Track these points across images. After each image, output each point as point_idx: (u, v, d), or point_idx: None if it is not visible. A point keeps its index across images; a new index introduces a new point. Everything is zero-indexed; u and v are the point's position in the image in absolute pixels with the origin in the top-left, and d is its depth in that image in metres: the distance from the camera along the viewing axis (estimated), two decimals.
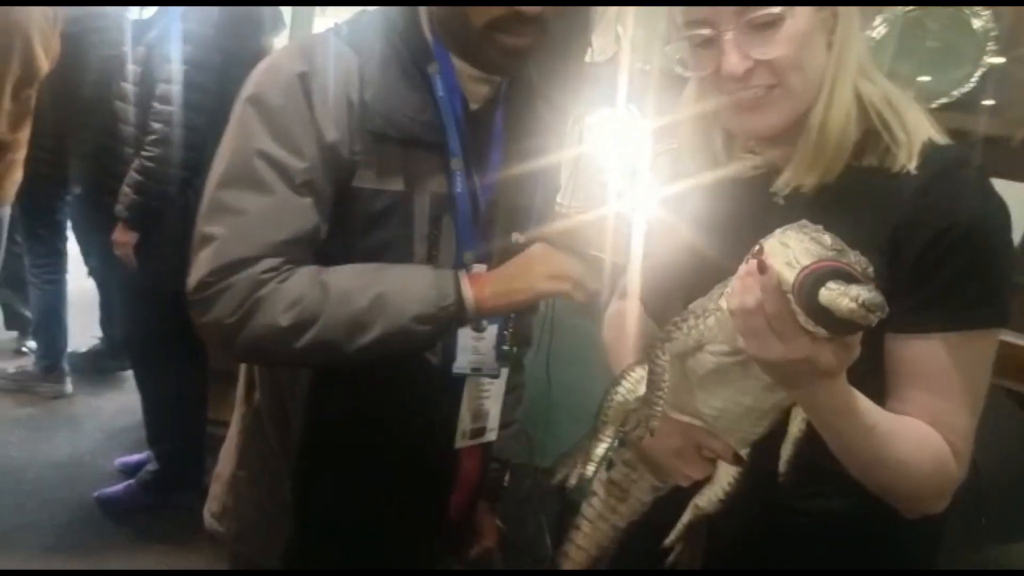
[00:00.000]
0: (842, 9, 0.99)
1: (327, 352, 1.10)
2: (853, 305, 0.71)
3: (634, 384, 1.05)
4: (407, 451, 1.23)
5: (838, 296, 0.72)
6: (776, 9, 0.94)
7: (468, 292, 1.11)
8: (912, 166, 0.97)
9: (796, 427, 0.96)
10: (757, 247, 0.82)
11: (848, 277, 0.74)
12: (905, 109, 1.01)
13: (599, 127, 2.40)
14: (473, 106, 1.20)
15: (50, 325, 3.51)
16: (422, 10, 1.17)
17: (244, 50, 2.39)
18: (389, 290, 1.09)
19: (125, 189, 2.45)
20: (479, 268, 1.19)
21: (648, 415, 0.96)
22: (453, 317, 1.11)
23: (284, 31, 2.72)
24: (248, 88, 1.13)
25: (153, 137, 2.39)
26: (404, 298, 1.09)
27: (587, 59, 2.41)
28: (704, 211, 1.11)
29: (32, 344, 3.74)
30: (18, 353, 3.86)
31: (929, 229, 0.95)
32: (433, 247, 1.16)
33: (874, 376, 0.98)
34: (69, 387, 3.56)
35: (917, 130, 1.00)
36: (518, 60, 1.13)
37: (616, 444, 1.10)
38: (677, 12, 1.01)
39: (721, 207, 1.09)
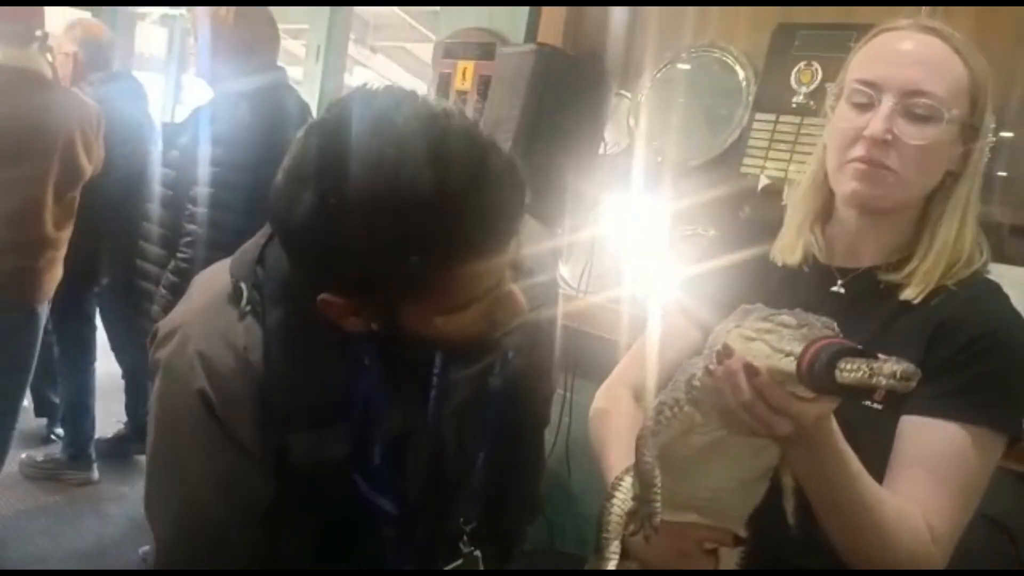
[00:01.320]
0: (976, 154, 1.09)
1: None
2: (893, 381, 0.74)
3: (626, 494, 1.06)
4: None
5: (864, 376, 0.75)
6: (936, 106, 1.03)
7: None
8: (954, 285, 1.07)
9: (788, 480, 1.00)
10: (722, 347, 0.87)
11: (851, 351, 0.77)
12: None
13: (614, 213, 2.48)
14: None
15: (78, 413, 3.56)
16: None
17: (275, 148, 2.43)
18: None
19: (162, 291, 2.47)
20: None
21: (649, 513, 0.97)
22: None
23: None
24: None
25: (188, 239, 2.43)
26: None
27: (600, 151, 2.50)
28: (752, 296, 1.11)
29: (60, 431, 3.79)
30: (48, 441, 3.91)
31: (967, 332, 1.03)
32: None
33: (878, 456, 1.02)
34: (96, 474, 3.59)
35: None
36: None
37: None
38: (853, 68, 1.10)
39: (774, 293, 1.09)
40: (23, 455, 3.63)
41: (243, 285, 1.00)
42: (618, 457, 1.15)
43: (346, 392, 0.99)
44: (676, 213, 2.28)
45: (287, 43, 5.26)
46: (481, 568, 1.20)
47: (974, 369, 1.03)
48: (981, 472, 1.03)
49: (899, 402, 1.03)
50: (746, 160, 2.28)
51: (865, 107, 1.06)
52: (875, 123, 1.04)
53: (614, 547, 1.06)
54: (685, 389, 0.96)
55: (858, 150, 1.06)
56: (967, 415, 1.02)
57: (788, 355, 0.81)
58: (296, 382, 0.97)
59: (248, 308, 0.98)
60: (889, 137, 1.03)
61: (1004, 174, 1.81)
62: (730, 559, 1.06)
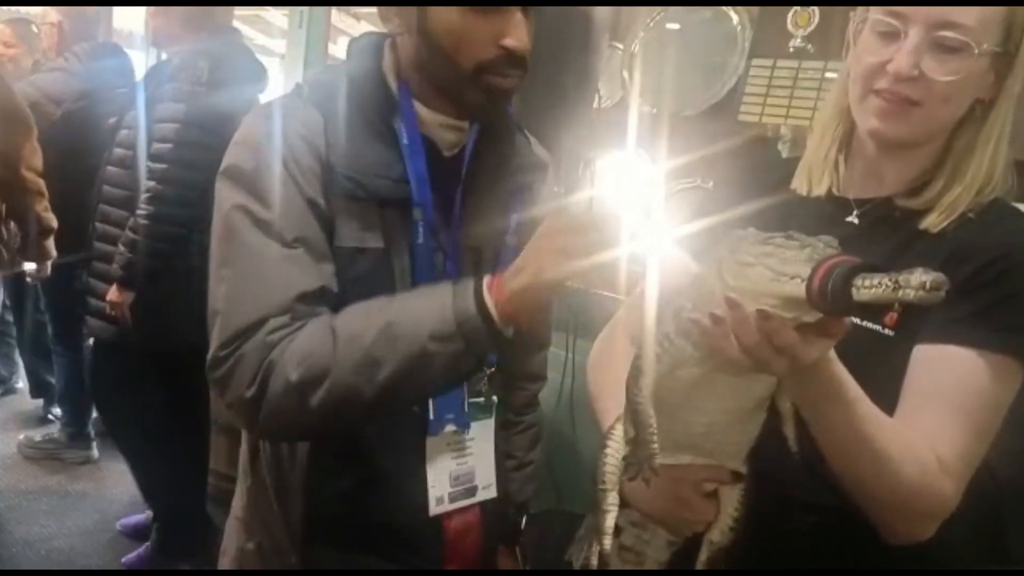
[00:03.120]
0: (1011, 80, 1.03)
1: (348, 402, 1.02)
2: (922, 292, 0.68)
3: (619, 442, 1.02)
4: (395, 523, 1.20)
5: (887, 291, 0.69)
6: (966, 39, 0.97)
7: (490, 300, 0.99)
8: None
9: (787, 405, 0.96)
10: (727, 300, 0.82)
11: (867, 266, 0.72)
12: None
13: (609, 170, 2.43)
14: (445, 153, 1.17)
15: (74, 392, 3.53)
16: (387, 60, 1.15)
17: (233, 106, 2.37)
18: (398, 317, 1.01)
19: (120, 248, 2.47)
20: None
21: (647, 455, 0.94)
22: (478, 331, 0.99)
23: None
24: (223, 163, 1.12)
25: (147, 195, 2.41)
26: (416, 321, 1.00)
27: (595, 105, 2.44)
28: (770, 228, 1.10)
29: (58, 411, 3.77)
30: (45, 421, 3.89)
31: (983, 255, 0.99)
32: None
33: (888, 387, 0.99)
34: (96, 452, 3.58)
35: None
36: (503, 103, 1.12)
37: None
38: None
39: (791, 224, 1.07)
40: (21, 436, 3.63)
41: (302, 83, 1.17)
42: (611, 404, 1.11)
43: (392, 173, 1.10)
44: (674, 165, 2.23)
45: (270, 14, 5.18)
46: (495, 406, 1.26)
47: (991, 293, 0.98)
48: (998, 401, 0.99)
49: (912, 327, 1.00)
50: (743, 108, 2.24)
51: (891, 37, 1.00)
52: (900, 58, 0.98)
53: (611, 498, 1.01)
54: (675, 322, 0.91)
55: (882, 83, 1.01)
56: (984, 340, 0.97)
57: (794, 278, 0.76)
58: (352, 153, 1.08)
59: (309, 98, 1.13)
60: (916, 73, 0.98)
61: None
62: (731, 498, 1.03)
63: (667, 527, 1.08)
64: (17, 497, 3.28)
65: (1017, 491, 1.30)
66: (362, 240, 1.10)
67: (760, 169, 1.24)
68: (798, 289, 0.76)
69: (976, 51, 0.97)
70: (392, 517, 1.20)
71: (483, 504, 1.28)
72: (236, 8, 4.71)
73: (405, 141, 1.12)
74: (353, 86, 1.13)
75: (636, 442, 0.96)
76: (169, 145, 2.40)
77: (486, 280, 1.01)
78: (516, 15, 1.07)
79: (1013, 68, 1.02)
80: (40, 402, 3.98)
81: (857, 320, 1.02)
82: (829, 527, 1.05)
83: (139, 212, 2.42)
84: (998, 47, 0.99)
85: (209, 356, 1.07)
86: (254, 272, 1.06)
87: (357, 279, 1.10)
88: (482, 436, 1.25)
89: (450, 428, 1.21)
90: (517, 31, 1.06)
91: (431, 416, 1.19)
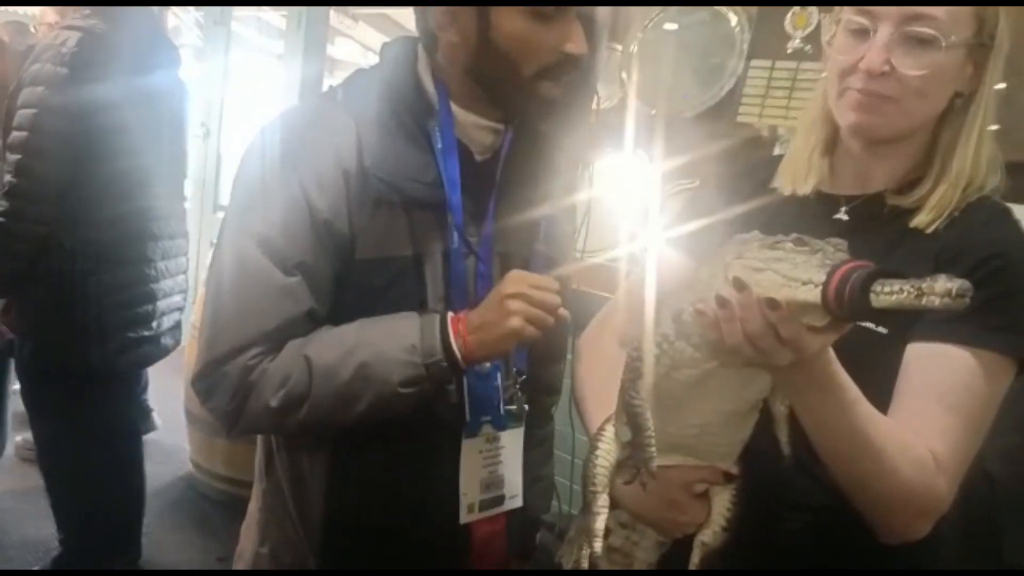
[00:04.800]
0: (988, 74, 1.03)
1: (324, 422, 1.11)
2: (948, 300, 0.67)
3: (609, 444, 1.02)
4: (421, 528, 1.19)
5: (909, 298, 0.69)
6: (935, 34, 0.97)
7: (455, 343, 1.07)
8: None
9: (780, 408, 0.96)
10: (734, 279, 0.81)
11: (884, 272, 0.72)
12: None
13: (608, 172, 2.43)
14: (478, 157, 1.18)
15: None
16: (422, 63, 1.15)
17: (110, 93, 2.19)
18: (371, 359, 1.06)
19: None
20: None
21: (644, 458, 0.93)
22: (443, 372, 1.08)
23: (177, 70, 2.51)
24: (241, 164, 1.12)
25: (3, 190, 2.12)
26: (387, 366, 1.06)
27: (593, 106, 2.44)
28: (747, 226, 1.09)
29: None
30: None
31: (976, 255, 0.99)
32: (449, 307, 1.13)
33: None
34: None
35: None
36: (551, 109, 1.12)
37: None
38: None
39: (778, 222, 1.05)
40: (18, 438, 3.60)
41: (337, 87, 1.18)
42: (598, 407, 1.11)
43: (426, 177, 1.10)
44: (672, 167, 2.23)
45: (267, 14, 5.17)
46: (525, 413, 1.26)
47: (984, 293, 0.95)
48: (990, 400, 0.99)
49: (905, 325, 0.99)
50: (742, 109, 2.24)
51: (862, 35, 1.01)
52: (871, 55, 0.99)
53: (602, 500, 1.01)
54: (674, 325, 0.91)
55: (855, 81, 1.01)
56: (976, 339, 0.97)
57: (806, 283, 0.76)
58: (386, 157, 1.09)
59: (343, 101, 1.14)
60: (887, 68, 0.99)
61: None
62: (723, 499, 1.03)
63: (657, 528, 1.07)
64: (14, 499, 3.26)
65: (1013, 491, 1.30)
66: (389, 249, 1.11)
67: (748, 168, 1.24)
68: (811, 295, 0.75)
69: (944, 43, 0.97)
70: (419, 522, 1.19)
71: (507, 515, 1.27)
72: (234, 8, 4.75)
73: (440, 145, 1.12)
74: (389, 89, 1.13)
75: (633, 445, 0.95)
76: (24, 134, 2.10)
77: (450, 319, 1.08)
78: (575, 21, 1.08)
79: (989, 60, 1.02)
80: None
81: None
82: (820, 527, 1.05)
83: None
84: (972, 38, 0.99)
85: (194, 371, 1.13)
86: (248, 300, 1.09)
87: (384, 289, 1.11)
88: (512, 444, 1.25)
89: (487, 431, 1.21)
90: (577, 36, 1.08)
91: (467, 418, 1.19)
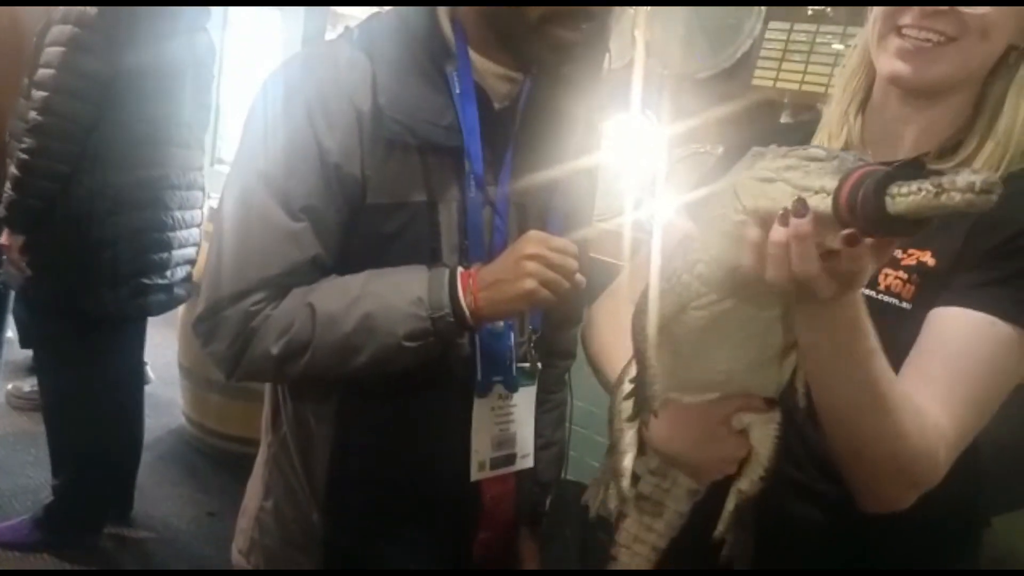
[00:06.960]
0: None
1: (325, 373, 1.09)
2: (971, 195, 0.58)
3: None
4: (429, 484, 1.18)
5: (928, 197, 0.59)
6: None
7: (463, 300, 1.05)
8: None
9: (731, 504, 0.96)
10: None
11: (894, 174, 0.62)
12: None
13: (616, 134, 2.38)
14: (496, 105, 1.14)
15: None
16: (441, 7, 1.12)
17: (139, 38, 2.23)
18: (376, 309, 1.04)
19: (7, 187, 2.24)
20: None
21: (647, 396, 0.89)
22: (450, 328, 1.06)
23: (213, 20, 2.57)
24: (251, 106, 1.10)
25: (27, 127, 2.16)
26: (391, 318, 1.04)
27: (605, 64, 2.38)
28: None
29: None
30: (33, 371, 3.84)
31: (1013, 224, 0.94)
32: (464, 258, 1.11)
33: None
34: None
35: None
36: (566, 55, 1.08)
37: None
38: None
39: None
40: (9, 386, 3.59)
41: (352, 27, 1.14)
42: (619, 354, 1.05)
43: (443, 120, 1.07)
44: (684, 130, 2.17)
45: None
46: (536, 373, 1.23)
47: (1016, 263, 0.93)
48: (1003, 375, 0.94)
49: (930, 299, 0.95)
50: (757, 72, 2.18)
51: None
52: None
53: (628, 438, 0.98)
54: (683, 259, 0.85)
55: (907, 18, 0.94)
56: (1001, 308, 0.92)
57: (818, 192, 0.67)
58: (403, 97, 1.05)
59: (358, 41, 1.10)
60: (944, 8, 0.92)
61: None
62: (765, 435, 0.95)
63: (691, 471, 1.01)
64: (4, 447, 3.25)
65: (997, 473, 1.26)
66: (402, 194, 1.08)
67: (766, 134, 1.19)
68: (823, 204, 0.67)
69: None
70: (428, 479, 1.18)
71: (517, 477, 1.25)
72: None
73: (457, 90, 1.09)
74: (406, 30, 1.10)
75: (637, 381, 0.92)
76: (52, 71, 2.14)
77: (460, 274, 1.05)
78: None
79: None
80: (29, 352, 3.92)
81: (872, 293, 0.98)
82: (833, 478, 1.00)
83: (21, 146, 2.18)
84: None
85: (197, 312, 1.11)
86: (253, 244, 1.06)
87: (395, 235, 1.08)
88: (525, 403, 1.23)
89: (499, 390, 1.19)
90: None
91: (479, 377, 1.16)
